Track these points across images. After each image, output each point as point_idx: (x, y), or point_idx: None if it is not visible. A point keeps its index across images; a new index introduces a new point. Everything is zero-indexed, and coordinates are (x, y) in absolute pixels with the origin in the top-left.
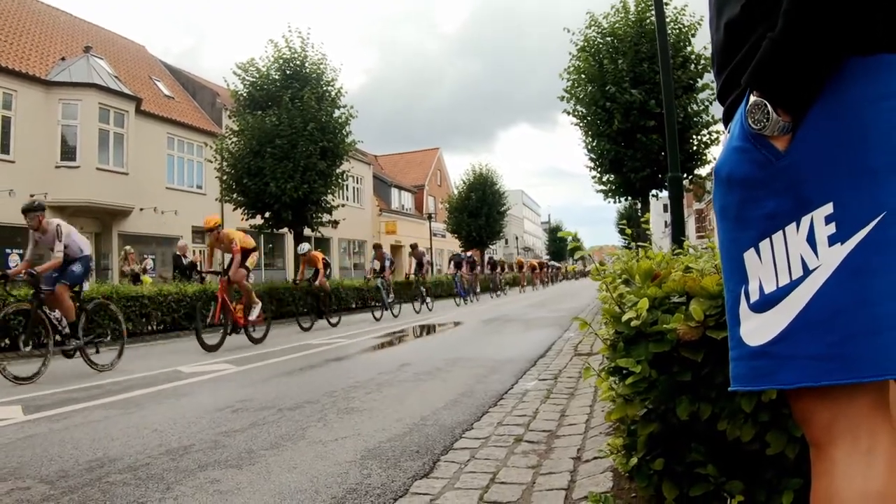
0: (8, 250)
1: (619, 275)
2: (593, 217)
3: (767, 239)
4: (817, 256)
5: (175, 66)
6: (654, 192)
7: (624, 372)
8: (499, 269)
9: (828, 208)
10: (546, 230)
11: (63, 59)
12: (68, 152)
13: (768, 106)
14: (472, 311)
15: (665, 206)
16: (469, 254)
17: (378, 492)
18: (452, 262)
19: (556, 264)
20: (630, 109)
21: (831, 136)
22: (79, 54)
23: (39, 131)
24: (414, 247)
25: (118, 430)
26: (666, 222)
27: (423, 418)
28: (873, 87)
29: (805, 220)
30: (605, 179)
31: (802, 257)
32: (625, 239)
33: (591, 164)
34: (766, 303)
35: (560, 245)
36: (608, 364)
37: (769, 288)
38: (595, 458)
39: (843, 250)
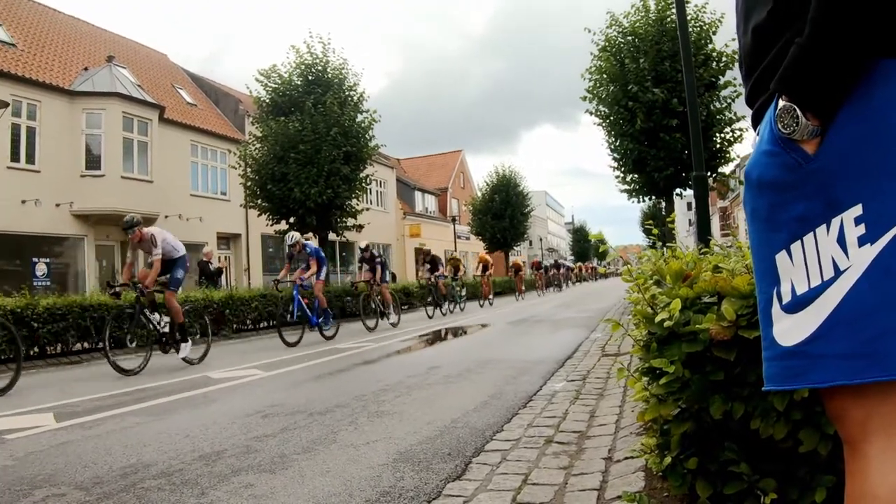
0: (35, 259)
1: (651, 276)
2: (617, 217)
3: (798, 241)
4: (848, 257)
5: (197, 73)
6: (678, 190)
7: (657, 372)
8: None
9: (857, 210)
10: (570, 231)
11: (86, 69)
12: (93, 161)
13: (797, 110)
14: (500, 313)
15: (689, 205)
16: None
17: (411, 494)
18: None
19: (568, 264)
20: (652, 108)
21: (860, 139)
22: (102, 64)
23: (64, 141)
24: (427, 253)
25: (150, 436)
26: (690, 221)
27: (453, 421)
28: None
29: (835, 222)
30: (628, 179)
31: (833, 258)
32: (650, 239)
33: (615, 164)
34: (798, 304)
35: (584, 246)
36: (641, 365)
37: (801, 289)
38: (626, 458)
39: (872, 250)
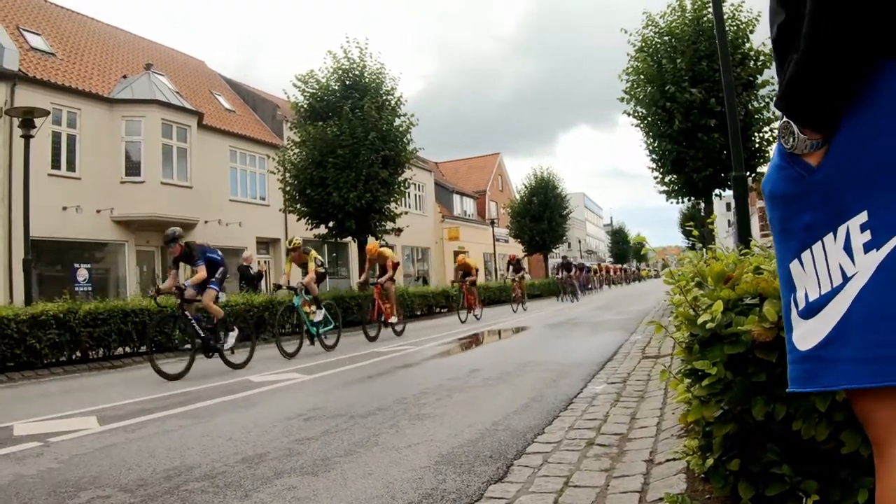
0: (76, 265)
1: (692, 278)
2: (656, 218)
3: (808, 250)
4: (854, 264)
5: (235, 79)
6: (717, 191)
7: (699, 374)
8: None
9: (862, 217)
10: (608, 232)
11: (125, 76)
12: (133, 168)
13: (793, 126)
14: (538, 316)
15: (728, 205)
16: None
17: (453, 496)
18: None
19: (588, 264)
20: (690, 109)
21: (863, 147)
22: (140, 72)
23: (104, 148)
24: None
25: (193, 439)
26: (729, 221)
27: (494, 423)
28: None
29: (841, 230)
30: (667, 180)
31: (841, 265)
32: (689, 240)
33: (653, 165)
34: (811, 310)
35: (623, 248)
36: (683, 366)
37: (813, 296)
38: (668, 460)
39: (878, 256)
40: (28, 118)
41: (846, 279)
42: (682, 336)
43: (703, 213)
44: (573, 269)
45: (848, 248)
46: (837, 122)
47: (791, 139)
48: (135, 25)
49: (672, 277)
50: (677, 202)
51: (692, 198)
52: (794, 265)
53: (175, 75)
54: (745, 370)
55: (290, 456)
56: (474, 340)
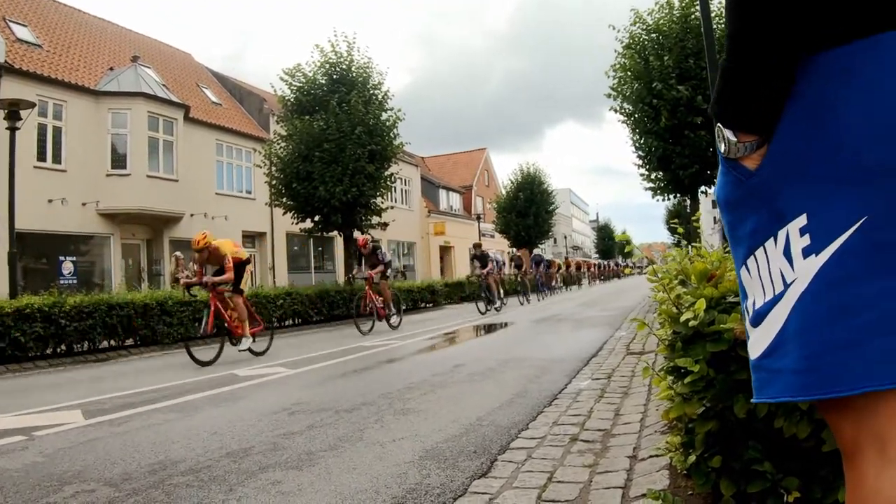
0: (61, 257)
1: (676, 276)
2: (642, 214)
3: (752, 256)
4: (793, 270)
5: (222, 72)
6: (702, 188)
7: (682, 371)
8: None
9: (801, 220)
10: (594, 228)
11: (111, 69)
12: (119, 160)
13: (724, 131)
14: (523, 311)
15: (714, 203)
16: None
17: (437, 491)
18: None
19: (547, 257)
20: (677, 106)
21: (804, 144)
22: (127, 64)
23: (90, 140)
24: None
25: (178, 433)
26: (715, 218)
27: (478, 419)
28: (853, 78)
29: (781, 234)
30: (653, 177)
31: (781, 271)
32: (675, 237)
33: (640, 162)
34: (757, 317)
35: (609, 244)
36: (666, 364)
37: (759, 303)
38: (651, 456)
39: (817, 262)
40: (14, 110)
41: (786, 286)
42: (665, 333)
43: (688, 210)
44: (528, 264)
45: (787, 254)
46: (774, 121)
47: (724, 144)
48: (122, 17)
49: (656, 275)
50: (663, 199)
51: (678, 195)
52: (743, 272)
53: (162, 68)
54: (727, 368)
55: (274, 450)
56: (459, 336)
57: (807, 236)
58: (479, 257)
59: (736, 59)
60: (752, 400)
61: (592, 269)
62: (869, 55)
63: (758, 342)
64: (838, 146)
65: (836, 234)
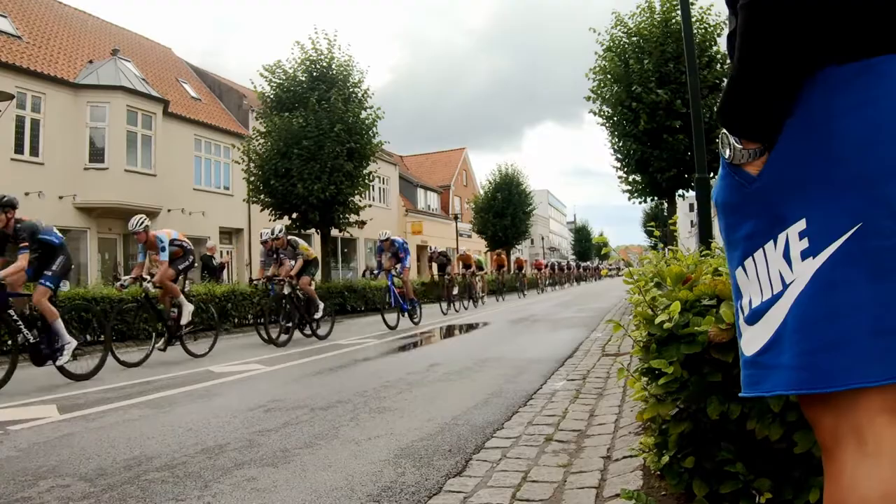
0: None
1: (652, 278)
2: (619, 216)
3: (751, 257)
4: (792, 271)
5: (202, 67)
6: (680, 192)
7: (656, 372)
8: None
9: (801, 224)
10: (572, 230)
11: (91, 62)
12: (97, 154)
13: (729, 137)
14: (499, 311)
15: (691, 206)
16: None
17: (412, 490)
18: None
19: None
20: (656, 109)
21: (800, 154)
22: (106, 57)
23: (68, 134)
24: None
25: (153, 429)
26: (692, 221)
27: (454, 418)
28: (855, 93)
29: (781, 238)
30: (631, 179)
31: (780, 273)
32: (652, 240)
33: (618, 164)
34: (754, 316)
35: (586, 245)
36: (641, 365)
37: (756, 302)
38: (625, 457)
39: (815, 264)
40: None
41: (785, 286)
42: (640, 335)
43: (666, 213)
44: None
45: (787, 256)
46: (777, 130)
47: (728, 150)
48: (102, 10)
49: (632, 277)
50: (641, 202)
51: (655, 198)
52: (739, 273)
53: (141, 62)
54: (700, 370)
55: (250, 447)
56: (434, 335)
57: (805, 240)
58: (439, 257)
59: (744, 71)
60: (741, 394)
61: (544, 271)
62: (866, 74)
63: (753, 339)
64: (836, 156)
65: (833, 239)
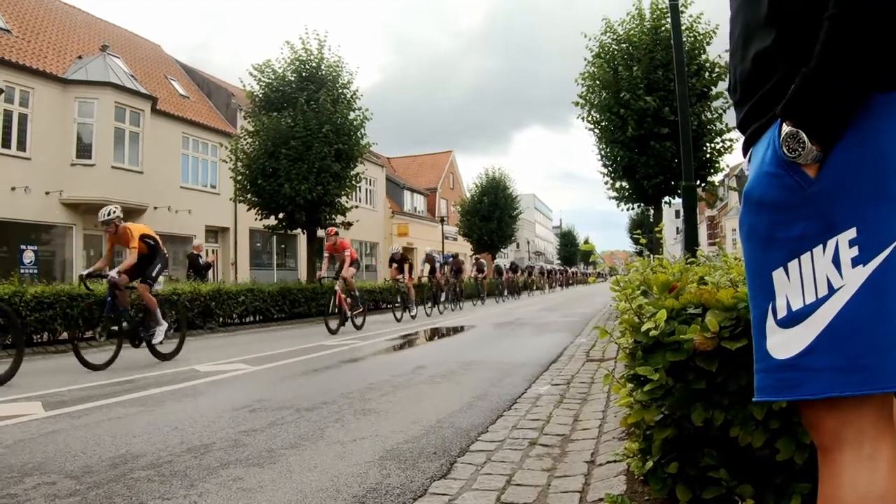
0: (23, 246)
1: (638, 286)
2: (605, 221)
3: (796, 259)
4: (842, 277)
5: (190, 65)
6: (666, 199)
7: (642, 379)
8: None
9: (852, 232)
10: (557, 234)
11: (80, 57)
12: (84, 150)
13: (803, 136)
14: (485, 315)
15: (677, 212)
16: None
17: (398, 491)
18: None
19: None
20: (644, 116)
21: (857, 166)
22: (96, 53)
23: (56, 129)
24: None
25: (139, 427)
26: (678, 228)
27: (439, 421)
28: (891, 120)
29: (831, 243)
30: (617, 185)
31: (828, 277)
32: (637, 246)
33: (605, 170)
34: (793, 319)
35: (571, 250)
36: (626, 371)
37: (796, 305)
38: (609, 461)
39: (865, 271)
40: None
41: (832, 291)
42: (626, 342)
43: (652, 220)
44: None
45: (836, 261)
46: (837, 137)
47: (799, 148)
48: (92, 5)
49: (619, 285)
50: (627, 208)
51: (642, 204)
52: (779, 273)
53: (131, 58)
54: (685, 377)
55: (235, 447)
56: (419, 337)
57: (856, 248)
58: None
59: (824, 74)
60: (759, 399)
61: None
62: None
63: (790, 342)
64: (885, 171)
65: (881, 249)
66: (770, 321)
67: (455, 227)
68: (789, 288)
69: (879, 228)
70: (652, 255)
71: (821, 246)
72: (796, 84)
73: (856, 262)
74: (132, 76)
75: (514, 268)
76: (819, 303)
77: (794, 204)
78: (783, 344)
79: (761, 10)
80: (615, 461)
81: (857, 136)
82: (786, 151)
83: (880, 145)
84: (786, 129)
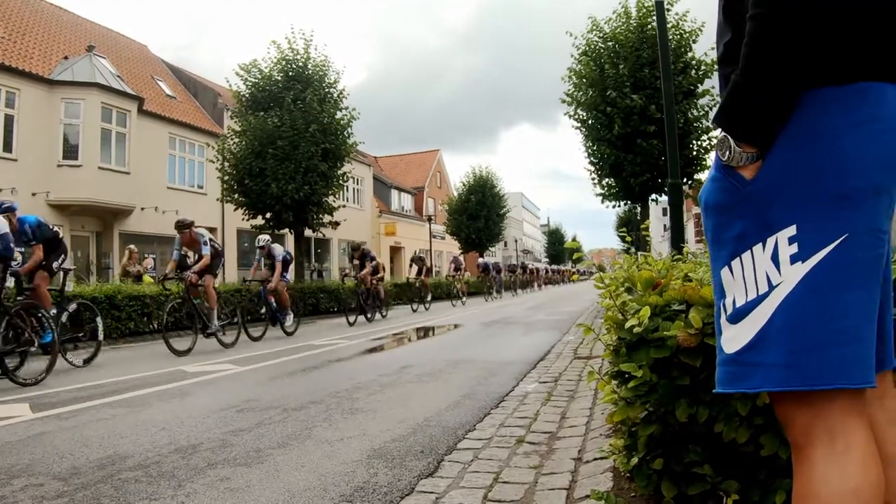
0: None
1: (622, 283)
2: (593, 220)
3: (738, 258)
4: (780, 273)
5: (177, 65)
6: (653, 196)
7: (626, 376)
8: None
9: (791, 230)
10: (545, 233)
11: (66, 58)
12: (70, 151)
13: (730, 140)
14: (472, 313)
15: (664, 210)
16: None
17: (385, 490)
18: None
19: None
20: (630, 114)
21: (799, 163)
22: (82, 53)
23: (42, 130)
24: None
25: (126, 428)
26: (665, 226)
27: (426, 419)
28: (850, 114)
29: (770, 241)
30: (604, 183)
31: (767, 274)
32: (624, 244)
33: (591, 168)
34: (737, 315)
35: (559, 248)
36: (611, 368)
37: (740, 302)
38: (595, 458)
39: (803, 268)
40: None
41: (771, 287)
42: (610, 339)
43: (639, 218)
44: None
45: (775, 259)
46: (773, 138)
47: (728, 152)
48: (78, 5)
49: (603, 282)
50: (614, 205)
51: (628, 202)
52: (725, 272)
53: (117, 59)
54: (669, 373)
55: (223, 447)
56: (406, 336)
57: (795, 245)
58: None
59: (749, 78)
60: (717, 391)
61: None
62: (863, 97)
63: (736, 337)
64: (828, 170)
65: (822, 246)
66: (723, 317)
67: (443, 225)
68: (734, 285)
69: (821, 226)
70: (638, 253)
71: (760, 244)
72: (727, 91)
73: (794, 258)
74: (118, 77)
75: (499, 268)
76: (759, 300)
77: (732, 205)
78: (731, 339)
79: (721, 15)
80: (602, 458)
81: (797, 134)
82: (720, 155)
83: (824, 142)
84: (720, 133)
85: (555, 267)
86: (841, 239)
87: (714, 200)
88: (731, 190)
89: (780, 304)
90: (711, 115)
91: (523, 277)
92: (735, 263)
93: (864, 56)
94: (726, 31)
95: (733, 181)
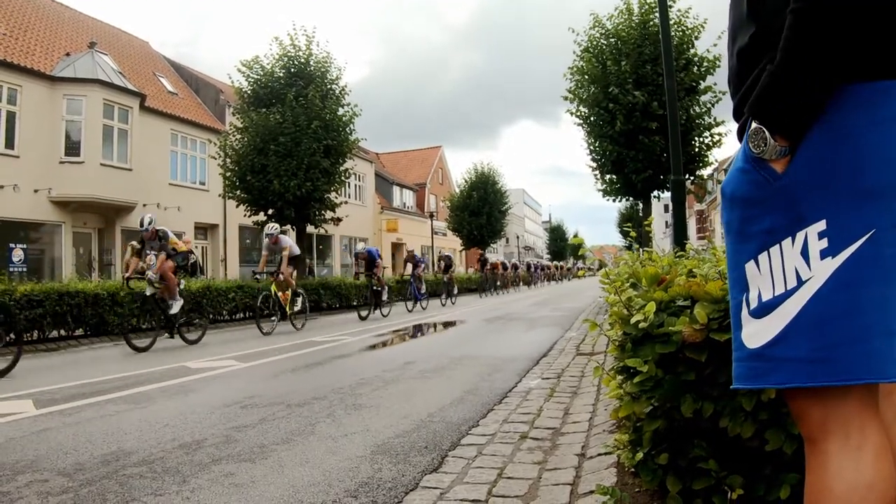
0: (12, 245)
1: (627, 279)
2: (595, 216)
3: (766, 252)
4: (810, 268)
5: (179, 62)
6: (655, 192)
7: (631, 371)
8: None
9: (821, 225)
10: (547, 229)
11: (68, 54)
12: (72, 148)
13: (766, 132)
14: (474, 310)
15: (666, 207)
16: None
17: (389, 485)
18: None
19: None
20: (633, 111)
21: (829, 159)
22: (83, 50)
23: (44, 126)
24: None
25: (130, 424)
26: (667, 222)
27: (429, 415)
28: (875, 111)
29: (800, 236)
30: (606, 179)
31: (797, 269)
32: (627, 240)
33: (593, 164)
34: (763, 309)
35: (561, 245)
36: (616, 364)
37: (766, 296)
38: (599, 454)
39: (833, 263)
40: None
41: (801, 282)
42: (615, 334)
43: (641, 214)
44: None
45: (805, 254)
46: (804, 132)
47: (762, 144)
48: (79, 2)
49: (608, 278)
50: (615, 201)
51: (630, 198)
52: (750, 266)
53: (119, 55)
54: (675, 369)
55: (227, 443)
56: (409, 333)
57: (825, 240)
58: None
59: (788, 70)
60: (734, 386)
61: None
62: (885, 96)
63: (761, 332)
64: (858, 165)
65: (851, 241)
66: (744, 311)
67: (444, 222)
68: (760, 279)
69: (850, 221)
70: (641, 249)
71: (789, 238)
72: (762, 81)
73: (824, 254)
74: (120, 73)
75: (505, 265)
76: (787, 294)
77: (763, 198)
78: (754, 334)
79: (743, 7)
80: (606, 453)
81: (826, 129)
82: (752, 148)
83: (852, 139)
84: (753, 125)
85: (557, 263)
86: (868, 235)
87: (743, 193)
88: (762, 183)
89: (809, 298)
90: (714, 111)
91: (526, 275)
92: (762, 257)
93: (891, 54)
94: (749, 25)
95: (765, 174)
